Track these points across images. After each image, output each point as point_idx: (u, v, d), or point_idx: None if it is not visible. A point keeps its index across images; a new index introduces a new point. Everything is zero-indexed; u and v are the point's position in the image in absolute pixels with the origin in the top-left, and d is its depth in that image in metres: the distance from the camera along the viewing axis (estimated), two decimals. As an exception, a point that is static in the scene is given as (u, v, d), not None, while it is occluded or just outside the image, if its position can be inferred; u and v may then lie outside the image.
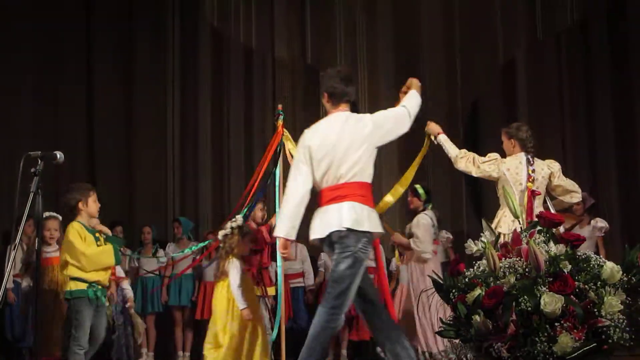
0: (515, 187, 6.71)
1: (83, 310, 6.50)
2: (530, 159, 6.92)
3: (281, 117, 8.28)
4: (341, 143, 5.50)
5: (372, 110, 11.77)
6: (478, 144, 11.72)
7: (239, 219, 7.78)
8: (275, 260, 8.26)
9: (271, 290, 8.21)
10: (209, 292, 10.69)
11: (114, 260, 6.74)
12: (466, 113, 11.86)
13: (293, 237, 5.43)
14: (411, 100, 6.30)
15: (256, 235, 8.04)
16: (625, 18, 11.27)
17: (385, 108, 11.68)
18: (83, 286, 6.53)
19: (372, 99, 11.94)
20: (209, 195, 11.68)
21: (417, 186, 8.87)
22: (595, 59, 11.41)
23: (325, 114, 5.73)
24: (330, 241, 5.21)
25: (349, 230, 5.14)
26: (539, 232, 4.61)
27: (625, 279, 4.39)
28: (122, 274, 9.23)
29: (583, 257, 4.48)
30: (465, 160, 7.08)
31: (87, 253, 6.51)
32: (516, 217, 4.84)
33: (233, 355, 7.52)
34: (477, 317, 4.32)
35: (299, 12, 12.09)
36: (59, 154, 4.86)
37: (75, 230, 6.58)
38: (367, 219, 5.22)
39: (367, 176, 5.44)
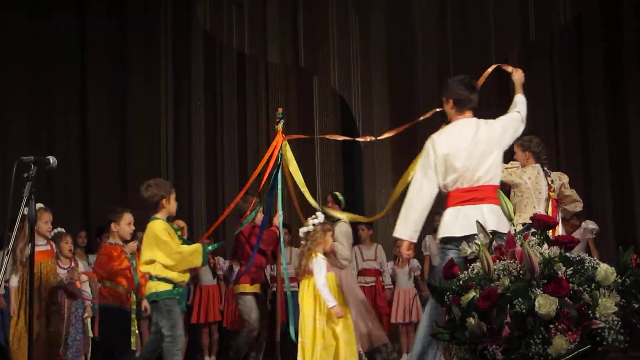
0: (535, 195, 7.13)
1: (175, 308, 6.38)
2: (547, 170, 7.37)
3: (282, 122, 8.25)
4: (477, 148, 5.78)
5: (364, 111, 11.86)
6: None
7: (319, 215, 7.76)
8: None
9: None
10: (205, 296, 10.69)
11: (202, 261, 6.61)
12: (459, 115, 11.84)
13: (415, 240, 5.76)
14: (522, 106, 6.57)
15: (272, 236, 8.04)
16: (618, 17, 11.29)
17: (378, 112, 11.85)
18: (169, 287, 6.40)
19: (365, 102, 11.94)
20: (203, 198, 11.68)
21: (337, 193, 8.98)
22: (588, 59, 11.43)
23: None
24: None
25: (493, 232, 5.11)
26: (533, 234, 4.61)
27: (619, 280, 4.39)
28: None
29: (577, 259, 4.48)
30: None
31: (182, 252, 6.39)
32: (510, 219, 4.84)
33: (328, 354, 7.45)
34: (471, 320, 4.32)
35: (292, 16, 12.10)
36: (52, 159, 4.84)
37: (163, 227, 6.43)
38: (505, 222, 5.29)
39: (498, 179, 5.78)
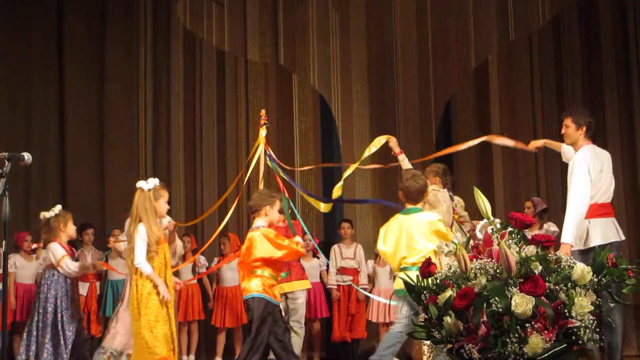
0: (449, 214, 8.05)
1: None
2: (452, 195, 8.38)
3: (266, 126, 8.39)
4: (610, 170, 7.01)
5: (344, 110, 11.87)
6: (451, 145, 11.76)
7: None
8: None
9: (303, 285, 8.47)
10: (184, 295, 10.66)
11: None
12: (439, 115, 11.90)
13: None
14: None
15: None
16: (596, 18, 11.34)
17: (358, 111, 11.88)
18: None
19: (345, 101, 11.94)
20: (182, 197, 11.63)
21: None
22: (567, 59, 11.47)
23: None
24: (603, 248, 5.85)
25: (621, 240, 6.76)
26: (510, 233, 4.62)
27: (595, 280, 4.41)
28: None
29: (554, 258, 4.49)
30: None
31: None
32: (487, 217, 4.85)
33: None
34: (448, 319, 4.33)
35: (272, 14, 12.08)
36: (27, 155, 4.81)
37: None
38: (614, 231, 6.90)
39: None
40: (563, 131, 7.36)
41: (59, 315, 7.39)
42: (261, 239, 6.79)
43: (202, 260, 10.91)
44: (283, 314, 8.19)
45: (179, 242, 8.78)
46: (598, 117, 11.18)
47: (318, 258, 10.61)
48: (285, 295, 8.37)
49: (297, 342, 8.29)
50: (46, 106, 11.62)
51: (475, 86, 11.90)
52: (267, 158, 8.52)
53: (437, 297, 4.46)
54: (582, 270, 4.38)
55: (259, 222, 6.96)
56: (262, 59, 12.05)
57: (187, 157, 11.80)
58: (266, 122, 8.46)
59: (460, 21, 11.97)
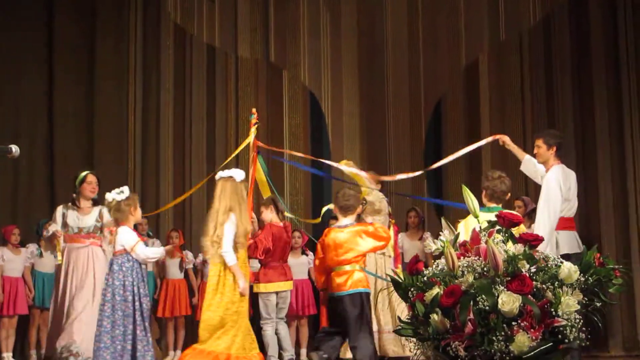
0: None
1: None
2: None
3: (257, 126, 8.41)
4: (576, 188, 7.67)
5: (334, 108, 11.87)
6: (441, 144, 11.79)
7: None
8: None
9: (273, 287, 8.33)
10: (171, 290, 10.66)
11: None
12: (429, 113, 11.91)
13: None
14: None
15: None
16: (587, 18, 11.37)
17: (348, 109, 11.89)
18: None
19: (335, 98, 11.93)
20: (170, 192, 11.60)
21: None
22: (557, 59, 11.49)
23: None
24: (569, 257, 6.33)
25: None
26: (498, 231, 4.62)
27: (582, 279, 4.41)
28: None
29: (541, 257, 4.49)
30: None
31: None
32: (475, 216, 4.86)
33: None
34: (435, 316, 4.33)
35: (263, 11, 12.06)
36: (14, 148, 4.78)
37: None
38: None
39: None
40: (535, 151, 7.93)
41: (138, 304, 6.86)
42: (361, 235, 6.89)
43: (190, 255, 10.91)
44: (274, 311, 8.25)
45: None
46: (587, 117, 11.25)
47: (307, 255, 10.61)
48: (276, 293, 8.37)
49: (287, 337, 8.31)
50: (35, 101, 11.56)
51: (466, 85, 11.91)
52: (259, 157, 8.49)
53: (424, 295, 4.46)
54: (569, 269, 4.39)
55: (348, 220, 7.00)
56: (252, 56, 12.03)
57: (176, 153, 11.77)
58: (257, 121, 8.45)
59: (451, 20, 11.98)
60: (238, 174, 6.93)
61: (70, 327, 7.93)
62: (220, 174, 6.99)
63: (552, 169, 7.60)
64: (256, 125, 8.40)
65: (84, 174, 8.48)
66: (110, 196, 7.06)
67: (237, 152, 8.81)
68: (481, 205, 6.54)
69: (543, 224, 7.30)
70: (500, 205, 6.56)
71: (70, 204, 8.50)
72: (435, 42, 12.04)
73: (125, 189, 7.14)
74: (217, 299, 6.79)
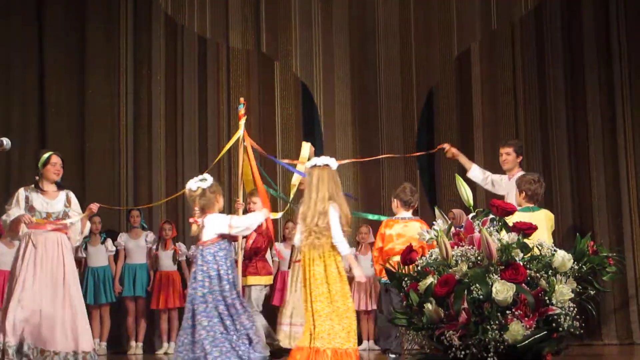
0: None
1: None
2: None
3: (241, 109, 8.39)
4: None
5: (326, 98, 11.85)
6: (433, 133, 11.79)
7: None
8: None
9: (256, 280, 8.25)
10: (165, 282, 10.65)
11: None
12: (421, 102, 11.89)
13: None
14: None
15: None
16: (579, 7, 11.38)
17: (339, 99, 11.86)
18: None
19: (327, 88, 11.91)
20: (163, 184, 11.58)
21: None
22: (549, 48, 11.49)
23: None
24: None
25: None
26: (492, 220, 4.62)
27: (576, 267, 4.41)
28: None
29: (535, 245, 4.49)
30: None
31: None
32: (469, 205, 4.85)
33: None
34: (429, 305, 4.32)
35: (254, 0, 12.02)
36: (6, 141, 4.77)
37: None
38: None
39: None
40: (504, 159, 8.64)
41: (235, 293, 6.41)
42: (420, 227, 7.21)
43: (183, 248, 10.90)
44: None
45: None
46: (579, 107, 11.27)
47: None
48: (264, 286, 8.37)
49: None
50: (26, 92, 11.53)
51: (457, 75, 11.89)
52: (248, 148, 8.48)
53: (418, 284, 4.45)
54: (562, 257, 4.39)
55: (407, 213, 7.73)
56: (244, 46, 11.98)
57: (168, 145, 11.72)
58: (246, 113, 8.42)
59: (443, 9, 11.95)
60: (332, 161, 6.71)
61: (54, 329, 7.41)
62: (313, 161, 6.74)
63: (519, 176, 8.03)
64: (245, 117, 8.36)
65: (47, 154, 7.89)
66: (194, 185, 6.68)
67: (227, 147, 8.75)
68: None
69: None
70: (537, 206, 7.02)
71: (33, 186, 7.83)
72: (427, 31, 12.01)
73: (208, 177, 6.75)
74: (324, 289, 6.45)
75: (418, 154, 10.47)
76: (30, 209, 7.66)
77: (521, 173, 8.14)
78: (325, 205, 6.48)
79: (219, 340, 6.18)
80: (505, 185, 8.68)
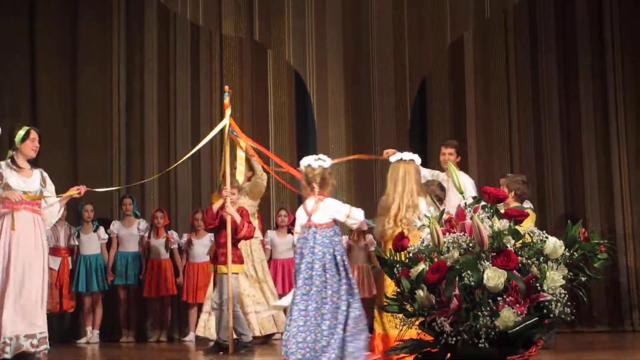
0: None
1: None
2: None
3: (226, 96, 8.40)
4: None
5: (319, 86, 11.83)
6: (426, 122, 11.79)
7: None
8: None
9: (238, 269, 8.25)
10: (157, 270, 10.65)
11: None
12: (414, 91, 11.89)
13: None
14: None
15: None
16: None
17: (332, 89, 11.84)
18: None
19: (320, 77, 11.89)
20: (155, 172, 11.54)
21: None
22: (542, 37, 11.51)
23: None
24: None
25: None
26: (483, 207, 4.62)
27: (567, 254, 4.42)
28: None
29: (526, 232, 4.50)
30: None
31: None
32: (460, 192, 4.86)
33: None
34: (420, 292, 4.33)
35: (247, -11, 12.00)
36: (-3, 127, 4.74)
37: None
38: None
39: None
40: (445, 158, 9.05)
41: (347, 278, 6.07)
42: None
43: (175, 236, 10.90)
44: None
45: None
46: (572, 96, 11.29)
47: (292, 234, 10.62)
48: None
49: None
50: (17, 80, 11.50)
51: (450, 64, 11.89)
52: (234, 136, 8.49)
53: (410, 271, 4.46)
54: (554, 244, 4.39)
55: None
56: (236, 34, 11.96)
57: (160, 133, 11.70)
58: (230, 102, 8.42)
59: (437, -3, 11.97)
60: (416, 156, 6.67)
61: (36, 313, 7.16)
62: (397, 156, 6.65)
63: (462, 173, 8.62)
64: (230, 107, 8.36)
65: (25, 129, 7.40)
66: (314, 163, 6.37)
67: (211, 135, 8.74)
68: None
69: None
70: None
71: (10, 162, 7.35)
72: (421, 20, 12.00)
73: (325, 157, 6.49)
74: None
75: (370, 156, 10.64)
76: (5, 186, 7.23)
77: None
78: (415, 199, 6.43)
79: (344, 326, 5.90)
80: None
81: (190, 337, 10.60)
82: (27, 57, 11.55)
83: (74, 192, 7.65)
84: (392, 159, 6.69)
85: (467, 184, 8.52)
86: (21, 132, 7.36)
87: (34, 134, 7.41)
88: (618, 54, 11.23)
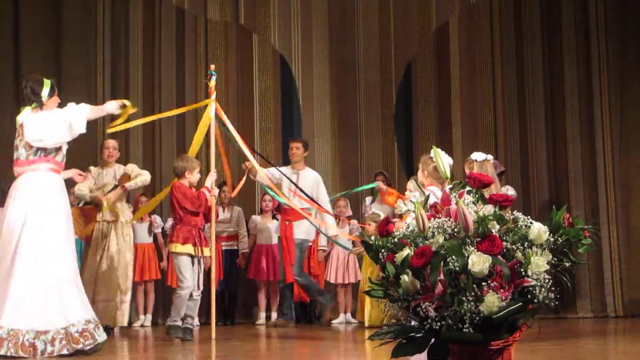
0: None
1: None
2: None
3: (214, 77, 8.32)
4: None
5: (304, 70, 11.81)
6: (411, 106, 11.81)
7: None
8: (208, 222, 8.27)
9: (206, 252, 8.10)
10: (140, 255, 10.61)
11: None
12: (399, 75, 11.90)
13: None
14: None
15: (198, 197, 7.96)
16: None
17: (318, 71, 11.84)
18: None
19: (305, 61, 11.89)
20: (140, 155, 11.51)
21: None
22: (527, 22, 11.53)
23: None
24: None
25: None
26: (468, 192, 4.62)
27: (552, 239, 4.42)
28: None
29: (511, 217, 4.50)
30: None
31: None
32: (446, 177, 4.86)
33: None
34: (405, 277, 4.33)
35: (232, -28, 11.95)
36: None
37: None
38: None
39: None
40: (294, 152, 9.88)
41: None
42: None
43: (158, 220, 10.87)
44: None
45: None
46: (557, 81, 11.31)
47: (277, 220, 10.63)
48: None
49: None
50: (1, 63, 11.41)
51: (436, 48, 11.91)
52: (218, 123, 8.46)
53: (395, 256, 4.45)
54: (538, 229, 4.39)
55: None
56: (222, 18, 11.92)
57: (145, 116, 11.64)
58: (212, 75, 8.36)
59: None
60: (489, 156, 6.53)
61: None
62: (474, 156, 6.46)
63: (308, 169, 9.91)
64: (212, 80, 8.32)
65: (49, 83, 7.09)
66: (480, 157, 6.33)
67: (188, 108, 8.76)
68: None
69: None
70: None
71: None
72: (406, 4, 12.02)
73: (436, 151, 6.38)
74: None
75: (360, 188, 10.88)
76: None
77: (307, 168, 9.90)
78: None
79: None
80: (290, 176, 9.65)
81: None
82: (10, 38, 11.47)
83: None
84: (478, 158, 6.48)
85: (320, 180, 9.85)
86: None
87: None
88: (603, 38, 11.26)
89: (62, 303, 6.32)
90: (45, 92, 6.83)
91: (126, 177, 9.14)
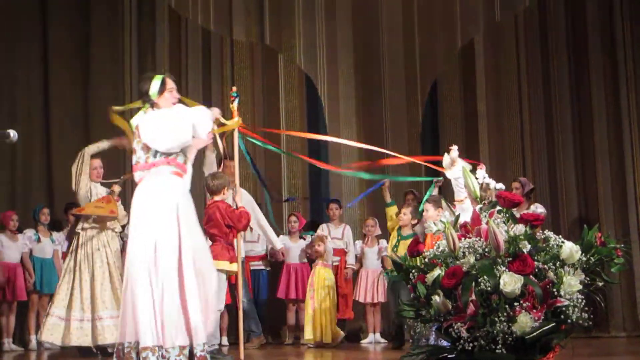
0: None
1: None
2: None
3: (236, 100, 8.34)
4: None
5: (330, 91, 11.82)
6: (437, 125, 11.78)
7: None
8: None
9: (234, 267, 8.02)
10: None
11: None
12: (425, 94, 11.87)
13: None
14: None
15: (241, 214, 7.84)
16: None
17: (343, 91, 11.84)
18: None
19: (331, 82, 11.89)
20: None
21: None
22: (553, 39, 11.48)
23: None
24: None
25: None
26: (499, 212, 4.61)
27: (584, 259, 4.40)
28: None
29: (542, 237, 4.48)
30: None
31: None
32: (475, 197, 4.85)
33: None
34: (436, 297, 4.32)
35: (257, -7, 12.01)
36: (13, 133, 4.74)
37: None
38: None
39: None
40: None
41: None
42: None
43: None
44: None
45: None
46: (584, 99, 11.25)
47: (304, 239, 10.63)
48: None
49: None
50: (31, 86, 11.54)
51: (462, 66, 11.87)
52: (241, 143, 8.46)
53: (426, 276, 4.45)
54: (570, 249, 4.38)
55: None
56: (247, 39, 11.97)
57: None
58: (235, 98, 8.36)
59: (446, 1, 11.93)
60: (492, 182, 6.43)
61: None
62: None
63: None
64: (235, 103, 8.32)
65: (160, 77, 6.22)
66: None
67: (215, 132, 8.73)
68: None
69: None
70: None
71: None
72: (431, 23, 11.99)
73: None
74: None
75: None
76: None
77: None
78: None
79: None
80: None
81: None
82: (39, 63, 11.59)
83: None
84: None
85: None
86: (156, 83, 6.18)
87: (171, 83, 6.19)
88: (630, 52, 11.18)
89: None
90: (153, 89, 6.05)
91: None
